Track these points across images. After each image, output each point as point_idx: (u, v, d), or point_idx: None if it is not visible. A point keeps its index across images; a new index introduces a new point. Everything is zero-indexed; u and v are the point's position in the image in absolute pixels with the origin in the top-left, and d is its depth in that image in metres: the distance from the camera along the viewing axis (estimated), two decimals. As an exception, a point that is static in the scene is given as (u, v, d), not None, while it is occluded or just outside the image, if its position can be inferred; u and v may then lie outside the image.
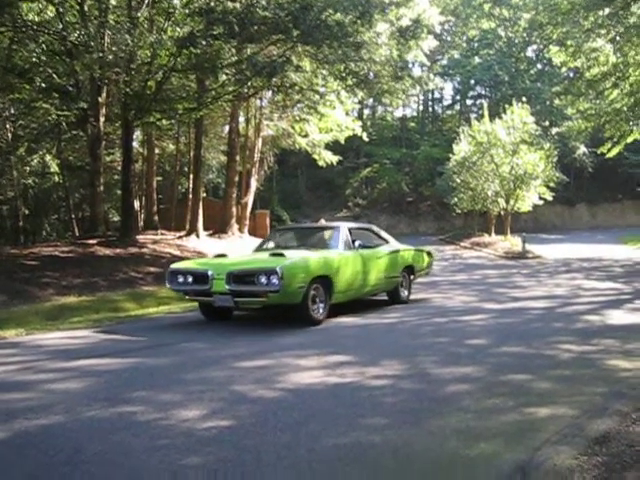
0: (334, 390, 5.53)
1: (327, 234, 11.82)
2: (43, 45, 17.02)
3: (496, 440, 4.25)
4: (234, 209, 28.40)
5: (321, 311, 9.81)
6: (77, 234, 25.24)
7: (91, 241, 19.85)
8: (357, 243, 11.18)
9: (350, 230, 11.53)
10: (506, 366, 6.45)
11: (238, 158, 28.77)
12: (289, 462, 3.86)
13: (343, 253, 10.73)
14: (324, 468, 3.82)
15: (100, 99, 20.42)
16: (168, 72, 18.07)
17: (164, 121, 23.18)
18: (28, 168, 28.64)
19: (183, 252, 20.88)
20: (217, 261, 10.57)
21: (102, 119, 20.90)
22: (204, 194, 31.07)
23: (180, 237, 24.88)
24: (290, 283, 9.12)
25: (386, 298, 12.51)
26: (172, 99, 20.23)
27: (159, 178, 34.10)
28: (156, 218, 29.11)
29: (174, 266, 10.45)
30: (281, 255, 9.88)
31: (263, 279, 9.12)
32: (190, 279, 9.95)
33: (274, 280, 9.00)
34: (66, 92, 20.17)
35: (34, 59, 18.00)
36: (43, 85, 18.72)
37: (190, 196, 27.34)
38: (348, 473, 3.76)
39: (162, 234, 26.02)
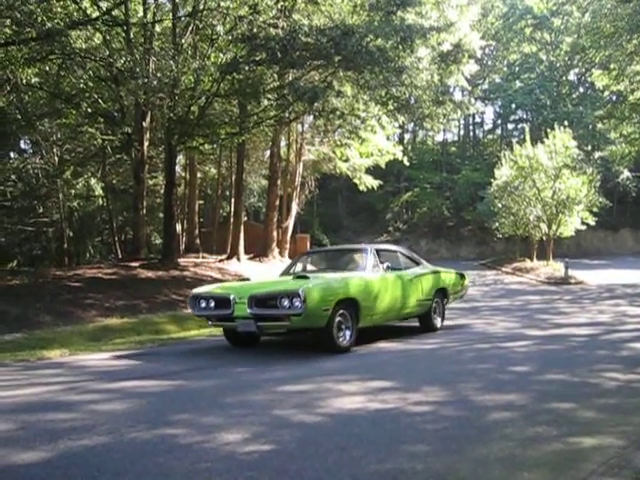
0: (375, 416, 5.50)
1: (354, 256, 11.57)
2: (90, 71, 17.35)
3: (540, 470, 4.18)
4: (275, 233, 28.57)
5: (347, 338, 9.47)
6: (120, 256, 25.55)
7: (133, 263, 20.10)
8: (385, 265, 10.82)
9: (378, 252, 11.19)
10: (550, 394, 6.36)
11: (279, 182, 28.97)
12: (330, 488, 3.84)
13: (370, 276, 10.39)
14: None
15: (144, 124, 20.75)
16: (211, 97, 18.31)
17: (206, 145, 23.47)
18: (73, 191, 29.14)
19: (224, 275, 21.02)
20: (239, 285, 10.45)
21: (146, 143, 21.22)
22: (245, 218, 31.32)
23: (221, 260, 25.07)
24: (313, 306, 8.83)
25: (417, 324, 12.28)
26: (214, 124, 20.49)
27: (201, 202, 34.46)
28: (198, 241, 29.40)
29: (196, 291, 10.31)
30: (305, 277, 9.71)
31: (286, 302, 8.87)
32: (212, 304, 9.76)
33: (297, 303, 8.75)
34: (111, 117, 20.57)
35: (81, 85, 18.38)
36: (89, 110, 19.11)
37: (231, 220, 27.56)
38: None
39: (203, 257, 26.26)
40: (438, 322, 12.24)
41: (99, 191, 29.49)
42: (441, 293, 12.44)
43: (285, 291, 9.07)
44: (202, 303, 9.87)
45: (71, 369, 8.42)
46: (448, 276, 12.98)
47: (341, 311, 9.34)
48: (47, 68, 18.99)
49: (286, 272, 11.82)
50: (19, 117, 22.96)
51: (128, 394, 6.56)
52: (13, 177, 29.69)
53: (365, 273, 10.43)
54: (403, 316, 11.56)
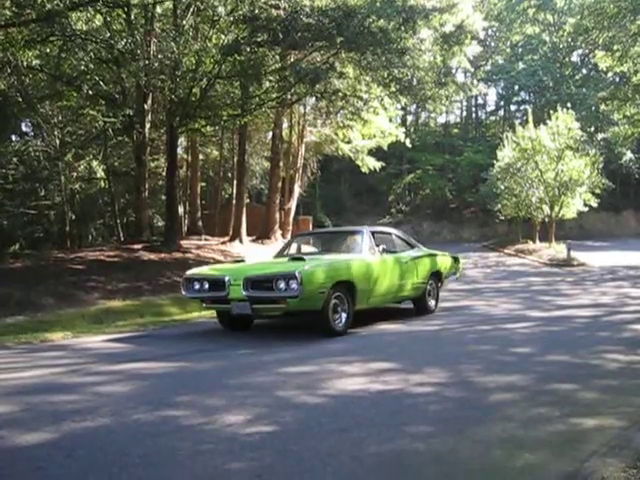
0: (377, 397, 5.52)
1: (350, 239, 11.20)
2: (91, 53, 17.25)
3: (541, 450, 4.19)
4: (277, 215, 28.54)
5: (344, 321, 9.29)
6: (122, 239, 25.54)
7: (136, 246, 20.09)
8: (381, 248, 10.66)
9: (374, 234, 10.99)
10: (551, 375, 6.37)
11: (281, 164, 28.90)
12: (332, 469, 3.85)
13: (366, 258, 10.16)
14: (367, 475, 3.80)
15: (146, 106, 20.68)
16: (213, 79, 18.21)
17: (208, 127, 23.39)
18: (75, 174, 29.07)
19: (226, 257, 21.00)
20: (234, 267, 10.17)
21: (147, 126, 21.14)
22: (247, 200, 31.25)
23: (224, 242, 25.05)
24: (310, 288, 8.65)
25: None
26: (216, 106, 20.39)
27: (203, 184, 34.38)
28: (200, 223, 29.35)
29: (189, 272, 10.13)
30: (301, 259, 9.50)
31: (282, 284, 8.66)
32: (206, 285, 9.54)
33: (293, 285, 8.56)
34: (112, 99, 20.48)
35: (82, 67, 18.30)
36: (90, 92, 18.98)
37: (234, 202, 27.50)
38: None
39: (206, 239, 26.23)
40: (432, 305, 12.07)
41: (101, 174, 29.41)
42: (436, 276, 12.24)
43: (281, 273, 8.87)
44: (196, 285, 9.68)
45: (74, 351, 8.45)
46: (443, 259, 12.80)
47: (337, 293, 9.14)
48: (48, 50, 18.90)
49: (280, 254, 11.69)
50: (20, 100, 22.88)
51: (131, 376, 6.59)
52: (14, 160, 29.65)
53: (361, 255, 10.22)
54: (399, 299, 11.50)
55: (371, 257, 10.30)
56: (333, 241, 11.82)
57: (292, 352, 7.93)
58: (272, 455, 4.07)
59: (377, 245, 10.70)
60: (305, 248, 11.87)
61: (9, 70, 19.62)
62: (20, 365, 7.36)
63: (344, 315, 9.30)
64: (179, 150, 27.46)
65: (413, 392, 5.69)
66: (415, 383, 6.00)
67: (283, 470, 3.84)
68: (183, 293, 10.08)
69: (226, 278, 9.18)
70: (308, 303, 8.83)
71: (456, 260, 13.43)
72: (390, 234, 12.15)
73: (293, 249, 11.83)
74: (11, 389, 5.97)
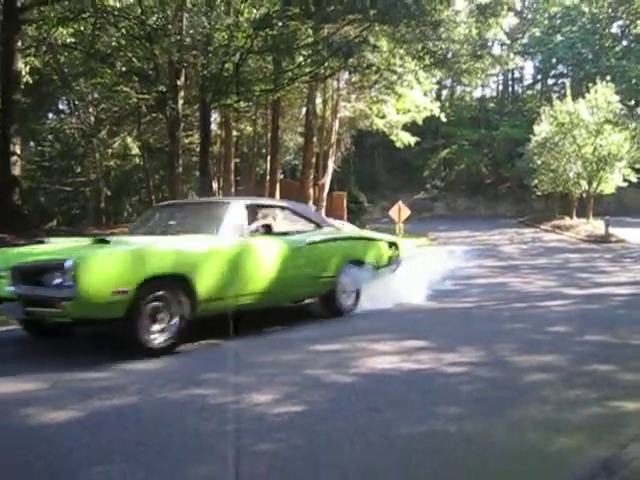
0: (409, 376, 5.41)
1: (212, 213, 8.04)
2: (123, 30, 17.26)
3: (578, 434, 4.05)
4: (311, 191, 28.44)
5: (167, 335, 6.44)
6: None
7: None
8: (255, 227, 7.84)
9: (251, 208, 8.16)
10: (589, 355, 6.20)
11: (315, 140, 28.74)
12: (362, 449, 3.76)
13: (222, 242, 7.30)
14: (398, 456, 3.70)
15: (178, 82, 20.59)
16: (245, 54, 18.10)
17: (241, 103, 23.28)
18: (110, 150, 29.26)
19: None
20: (20, 250, 7.47)
21: (180, 102, 21.08)
22: (281, 176, 31.18)
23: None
24: (91, 287, 5.90)
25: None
26: (249, 81, 20.29)
27: (237, 160, 34.35)
28: (234, 199, 29.36)
29: None
30: (104, 242, 6.74)
31: (57, 279, 5.98)
32: None
33: (67, 281, 5.86)
34: (146, 76, 20.47)
35: (115, 44, 18.32)
36: (124, 69, 19.04)
37: (267, 178, 27.46)
38: (422, 463, 3.62)
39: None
40: (349, 304, 9.09)
41: (135, 150, 29.56)
42: (354, 267, 9.17)
43: (50, 262, 6.25)
44: None
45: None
46: (369, 245, 9.88)
47: (158, 293, 6.39)
48: (81, 28, 18.97)
49: (130, 232, 8.92)
50: (55, 77, 23.05)
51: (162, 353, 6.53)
52: (50, 137, 29.97)
53: (215, 238, 7.33)
54: (287, 299, 8.89)
55: (232, 240, 7.43)
56: (192, 217, 8.66)
57: (322, 329, 7.85)
58: (300, 435, 3.99)
59: (256, 222, 8.03)
60: (157, 225, 8.67)
61: (44, 48, 19.77)
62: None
63: (174, 322, 6.50)
64: (213, 126, 27.41)
65: (445, 371, 5.57)
66: (447, 362, 5.87)
67: (311, 451, 3.75)
68: None
69: None
70: (94, 309, 6.06)
71: (392, 246, 10.35)
72: (283, 209, 9.31)
73: (144, 226, 8.75)
74: (39, 366, 5.95)
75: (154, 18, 16.59)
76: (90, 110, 26.50)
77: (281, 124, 27.61)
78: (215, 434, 4.04)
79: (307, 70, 20.24)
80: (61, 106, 31.25)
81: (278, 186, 25.85)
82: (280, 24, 16.90)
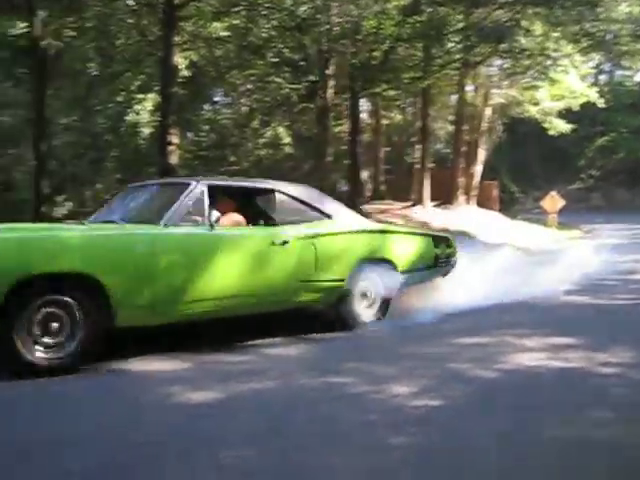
0: (557, 375, 5.14)
1: (168, 198, 6.46)
2: (274, 22, 17.60)
3: None
4: (461, 179, 27.98)
5: (69, 348, 5.17)
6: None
7: (319, 210, 20.41)
8: (215, 216, 6.34)
9: (219, 191, 6.67)
10: None
11: (465, 127, 28.23)
12: (502, 451, 3.61)
13: (163, 233, 5.87)
14: (543, 460, 3.47)
15: (328, 71, 20.78)
16: (394, 41, 18.00)
17: (390, 91, 23.23)
18: (262, 140, 30.01)
19: (408, 222, 20.87)
20: None
21: (330, 91, 21.28)
22: (431, 164, 30.86)
23: (406, 207, 24.93)
24: None
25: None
26: (398, 69, 20.18)
27: (386, 148, 34.32)
28: (383, 188, 29.39)
29: None
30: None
31: None
32: None
33: None
34: (296, 66, 20.81)
35: (266, 36, 18.73)
36: (275, 60, 19.44)
37: (417, 166, 27.28)
38: (570, 472, 3.38)
39: (389, 204, 26.22)
40: (368, 314, 7.34)
41: (286, 139, 30.16)
42: (377, 268, 7.43)
43: None
44: None
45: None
46: (398, 241, 7.91)
47: (50, 297, 5.10)
48: (234, 21, 19.53)
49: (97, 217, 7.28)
50: (210, 70, 23.90)
51: (300, 339, 6.61)
52: (206, 128, 31.14)
53: (156, 228, 5.89)
54: (266, 306, 6.76)
55: (179, 232, 5.99)
56: (154, 200, 6.95)
57: (467, 321, 7.63)
58: (437, 431, 3.89)
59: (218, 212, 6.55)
60: (119, 210, 6.96)
61: (200, 43, 20.56)
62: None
63: (74, 335, 5.18)
64: (363, 115, 27.52)
65: (596, 372, 5.25)
66: (599, 362, 5.53)
67: (448, 448, 3.64)
68: None
69: None
70: None
71: (442, 243, 8.47)
72: (267, 192, 7.13)
73: (106, 211, 7.22)
74: (183, 347, 6.12)
75: (303, 8, 16.77)
76: (243, 101, 27.26)
77: (431, 112, 27.27)
78: (351, 424, 4.01)
79: (457, 57, 19.89)
80: (216, 97, 32.32)
81: (427, 175, 25.56)
82: (429, 10, 16.65)
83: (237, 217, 6.78)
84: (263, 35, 18.76)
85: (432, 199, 26.19)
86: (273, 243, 6.53)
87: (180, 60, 19.05)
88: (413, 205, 25.21)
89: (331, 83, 21.36)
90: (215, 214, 6.39)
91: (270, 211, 6.95)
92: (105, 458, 3.43)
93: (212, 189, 6.41)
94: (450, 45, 19.23)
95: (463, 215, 24.36)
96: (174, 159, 18.36)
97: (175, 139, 18.52)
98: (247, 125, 27.28)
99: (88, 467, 3.29)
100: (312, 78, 20.81)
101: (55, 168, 24.47)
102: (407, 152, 34.52)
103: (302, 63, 20.77)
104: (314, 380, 5.00)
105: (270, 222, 6.84)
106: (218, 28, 20.11)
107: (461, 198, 27.67)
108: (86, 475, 3.21)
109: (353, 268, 7.16)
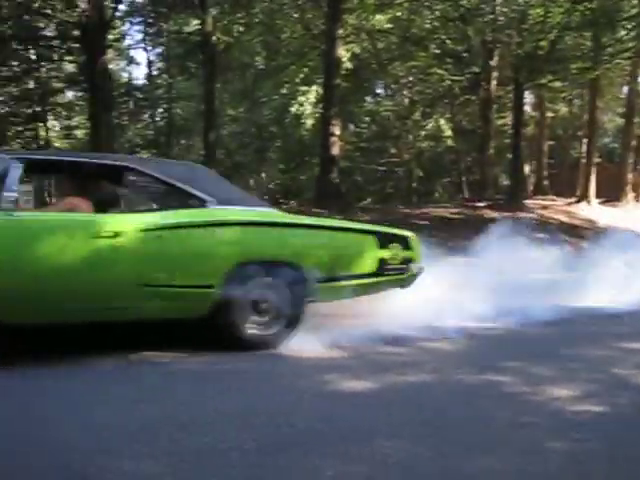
0: None
1: None
2: (437, 12, 17.49)
3: None
4: (630, 176, 26.64)
5: None
6: (466, 196, 25.75)
7: (479, 204, 20.14)
8: (16, 196, 4.95)
9: (27, 166, 5.11)
10: None
11: (637, 120, 26.83)
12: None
13: None
14: None
15: (491, 62, 20.42)
16: (561, 30, 17.39)
17: (556, 82, 22.50)
18: (423, 132, 29.92)
19: (572, 219, 20.19)
20: None
21: (493, 82, 20.91)
22: (597, 159, 29.60)
23: (570, 204, 24.08)
24: None
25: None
26: (565, 59, 19.51)
27: (550, 142, 33.25)
28: (546, 183, 28.52)
29: None
30: None
31: None
32: None
33: None
34: (459, 57, 20.59)
35: (429, 27, 18.67)
36: (437, 52, 19.33)
37: (583, 161, 26.26)
38: None
39: (552, 200, 25.43)
40: (262, 333, 5.73)
41: (447, 132, 29.91)
42: (275, 272, 5.80)
43: None
44: None
45: (407, 302, 8.56)
46: (307, 237, 6.20)
47: None
48: (397, 13, 19.58)
49: None
50: (372, 62, 24.10)
51: (457, 335, 6.51)
52: (367, 119, 31.45)
53: None
54: (85, 316, 5.25)
55: None
56: None
57: (631, 325, 7.28)
58: (600, 440, 3.69)
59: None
60: None
61: (363, 35, 20.78)
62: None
63: None
64: (526, 107, 26.78)
65: None
66: None
67: (607, 458, 3.45)
68: None
69: None
70: None
71: (396, 243, 6.56)
72: (122, 171, 5.77)
73: None
74: (345, 336, 6.21)
75: (468, -1, 16.59)
76: (404, 93, 27.27)
77: (599, 104, 26.10)
78: (508, 424, 3.92)
79: (630, 45, 18.94)
80: (377, 90, 32.52)
81: (594, 170, 24.53)
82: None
83: (76, 201, 5.46)
84: (426, 26, 18.73)
85: (598, 196, 25.13)
86: (99, 235, 5.08)
87: (343, 53, 19.34)
88: (578, 202, 24.28)
89: (494, 74, 20.96)
90: (12, 195, 4.89)
91: (121, 194, 6.04)
92: (273, 437, 3.54)
93: (31, 165, 5.23)
94: (622, 33, 18.32)
95: (632, 213, 23.15)
96: (336, 150, 18.70)
97: (337, 131, 18.84)
98: (408, 117, 27.27)
99: (263, 442, 3.42)
100: (475, 70, 20.51)
101: (222, 157, 25.52)
102: (573, 146, 33.31)
103: (465, 54, 20.50)
104: (470, 376, 4.93)
105: (115, 208, 5.83)
106: (381, 20, 20.25)
107: (630, 195, 26.33)
108: (261, 450, 3.33)
109: (230, 271, 5.52)
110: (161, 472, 3.01)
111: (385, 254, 6.35)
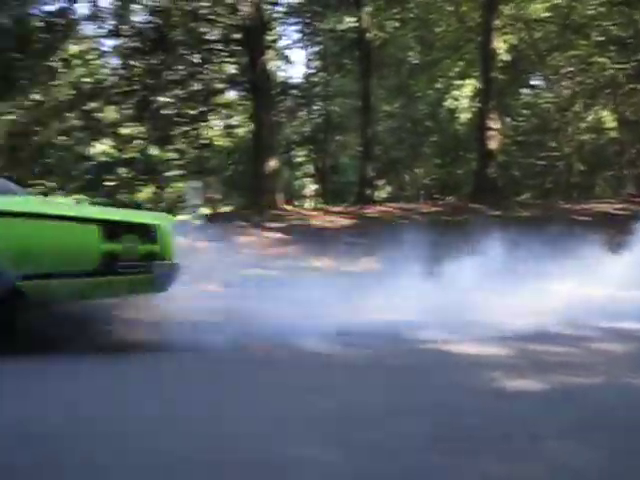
0: None
1: None
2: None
3: None
4: None
5: None
6: (633, 191, 24.65)
7: (646, 199, 19.32)
8: None
9: None
10: None
11: None
12: None
13: None
14: None
15: (660, 48, 19.45)
16: None
17: None
18: (584, 124, 28.86)
19: None
20: None
21: (662, 69, 19.90)
22: None
23: None
24: None
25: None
26: None
27: None
28: None
29: None
30: None
31: None
32: None
33: None
34: (624, 44, 19.73)
35: (591, 13, 18.02)
36: (600, 39, 18.61)
37: None
38: None
39: None
40: None
41: (610, 123, 28.71)
42: None
43: None
44: None
45: (570, 301, 8.28)
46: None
47: None
48: (556, 1, 19.03)
49: None
50: (530, 53, 23.51)
51: (629, 337, 6.21)
52: (525, 112, 30.65)
53: None
54: None
55: None
56: None
57: None
58: None
59: None
60: None
61: (520, 25, 20.33)
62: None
63: None
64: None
65: None
66: None
67: None
68: None
69: None
70: None
71: (133, 235, 5.25)
72: None
73: None
74: (505, 334, 6.13)
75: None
76: (564, 83, 26.38)
77: None
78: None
79: None
80: (535, 81, 31.64)
81: None
82: None
83: None
84: (588, 13, 18.02)
85: None
86: None
87: (499, 44, 18.96)
88: None
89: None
90: None
91: None
92: (442, 435, 3.53)
93: None
94: None
95: None
96: (493, 144, 18.40)
97: (494, 124, 18.53)
98: (568, 109, 26.34)
99: (425, 435, 3.44)
100: (641, 57, 19.58)
101: (379, 153, 25.69)
102: None
103: (630, 40, 19.57)
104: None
105: None
106: (538, 9, 19.71)
107: None
108: (430, 447, 3.34)
109: None
110: (334, 461, 3.05)
111: (114, 248, 5.15)
